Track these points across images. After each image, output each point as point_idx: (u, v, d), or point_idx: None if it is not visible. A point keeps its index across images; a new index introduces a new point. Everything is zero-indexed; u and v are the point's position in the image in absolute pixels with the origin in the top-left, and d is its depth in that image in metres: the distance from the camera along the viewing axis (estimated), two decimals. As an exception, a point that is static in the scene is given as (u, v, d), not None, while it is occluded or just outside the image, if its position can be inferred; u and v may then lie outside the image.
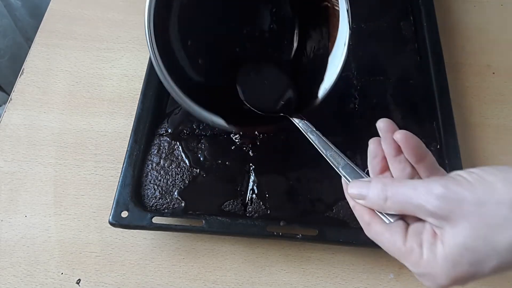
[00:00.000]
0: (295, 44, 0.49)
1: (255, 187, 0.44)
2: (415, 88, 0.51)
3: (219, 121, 0.44)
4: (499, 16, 0.61)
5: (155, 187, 0.44)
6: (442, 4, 0.61)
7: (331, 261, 0.43)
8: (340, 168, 0.33)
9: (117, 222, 0.41)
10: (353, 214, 0.31)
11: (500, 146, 0.50)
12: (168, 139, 0.47)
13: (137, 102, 0.48)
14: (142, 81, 0.49)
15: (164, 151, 0.46)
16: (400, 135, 0.30)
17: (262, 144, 0.47)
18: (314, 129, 0.38)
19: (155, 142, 0.47)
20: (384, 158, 0.32)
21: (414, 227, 0.28)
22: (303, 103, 0.44)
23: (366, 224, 0.30)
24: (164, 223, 0.41)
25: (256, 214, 0.43)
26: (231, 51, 0.48)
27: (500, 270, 0.26)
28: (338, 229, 0.41)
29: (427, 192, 0.27)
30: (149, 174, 0.45)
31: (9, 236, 0.44)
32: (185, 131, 0.48)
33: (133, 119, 0.47)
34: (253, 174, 0.45)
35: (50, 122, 0.51)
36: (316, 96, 0.44)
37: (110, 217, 0.41)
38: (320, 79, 0.44)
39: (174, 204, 0.43)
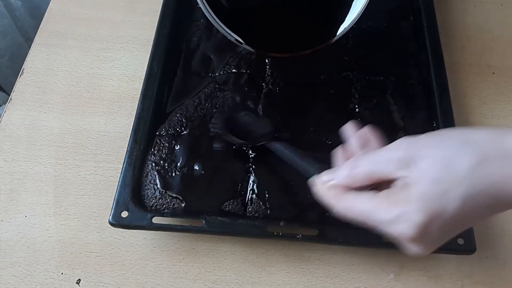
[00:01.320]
0: None
1: (255, 187, 0.44)
2: (415, 88, 0.51)
3: (238, 38, 0.47)
4: (499, 16, 0.61)
5: (155, 187, 0.44)
6: (442, 4, 0.61)
7: (331, 261, 0.43)
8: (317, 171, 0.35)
9: (117, 222, 0.41)
10: None
11: (500, 146, 0.50)
12: (168, 139, 0.47)
13: (137, 102, 0.48)
14: (142, 81, 0.49)
15: (164, 151, 0.46)
16: (367, 128, 0.35)
17: (262, 144, 0.47)
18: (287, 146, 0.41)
19: (155, 142, 0.47)
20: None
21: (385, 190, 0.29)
22: (322, 38, 0.48)
23: (337, 199, 0.31)
24: (164, 223, 0.41)
25: (256, 214, 0.43)
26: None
27: (470, 200, 0.26)
28: (338, 229, 0.41)
29: (390, 148, 0.30)
30: (149, 174, 0.45)
31: (9, 236, 0.44)
32: (185, 132, 0.48)
33: (133, 119, 0.47)
34: (253, 174, 0.45)
35: (50, 122, 0.51)
36: (335, 35, 0.47)
37: (110, 217, 0.41)
38: (342, 20, 0.47)
39: (174, 204, 0.43)
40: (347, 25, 0.46)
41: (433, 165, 0.27)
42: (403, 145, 0.29)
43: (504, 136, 0.27)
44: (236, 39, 0.47)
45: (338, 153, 0.35)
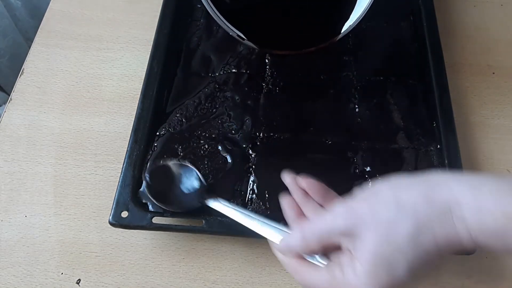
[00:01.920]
0: None
1: (255, 187, 0.44)
2: (415, 88, 0.51)
3: (241, 35, 0.47)
4: (499, 16, 0.61)
5: (155, 187, 0.44)
6: (442, 4, 0.61)
7: (331, 261, 0.43)
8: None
9: (117, 222, 0.41)
10: None
11: (500, 146, 0.50)
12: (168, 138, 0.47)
13: (137, 102, 0.48)
14: (142, 81, 0.49)
15: (164, 151, 0.46)
16: (305, 182, 0.36)
17: (262, 144, 0.47)
18: (231, 205, 0.39)
19: (155, 142, 0.47)
20: (297, 205, 0.35)
21: (335, 257, 0.30)
22: (326, 36, 0.48)
23: (299, 273, 0.32)
24: (164, 223, 0.41)
25: (256, 214, 0.43)
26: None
27: (416, 270, 0.27)
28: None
29: (333, 217, 0.30)
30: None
31: (9, 236, 0.44)
32: (185, 132, 0.48)
33: (133, 119, 0.47)
34: (253, 174, 0.45)
35: (50, 122, 0.51)
36: (339, 32, 0.47)
37: (110, 217, 0.41)
38: (346, 17, 0.47)
39: (174, 204, 0.43)
40: (352, 22, 0.46)
41: (374, 239, 0.28)
42: (342, 214, 0.30)
43: (435, 190, 0.27)
44: (239, 36, 0.46)
45: (286, 203, 0.36)
